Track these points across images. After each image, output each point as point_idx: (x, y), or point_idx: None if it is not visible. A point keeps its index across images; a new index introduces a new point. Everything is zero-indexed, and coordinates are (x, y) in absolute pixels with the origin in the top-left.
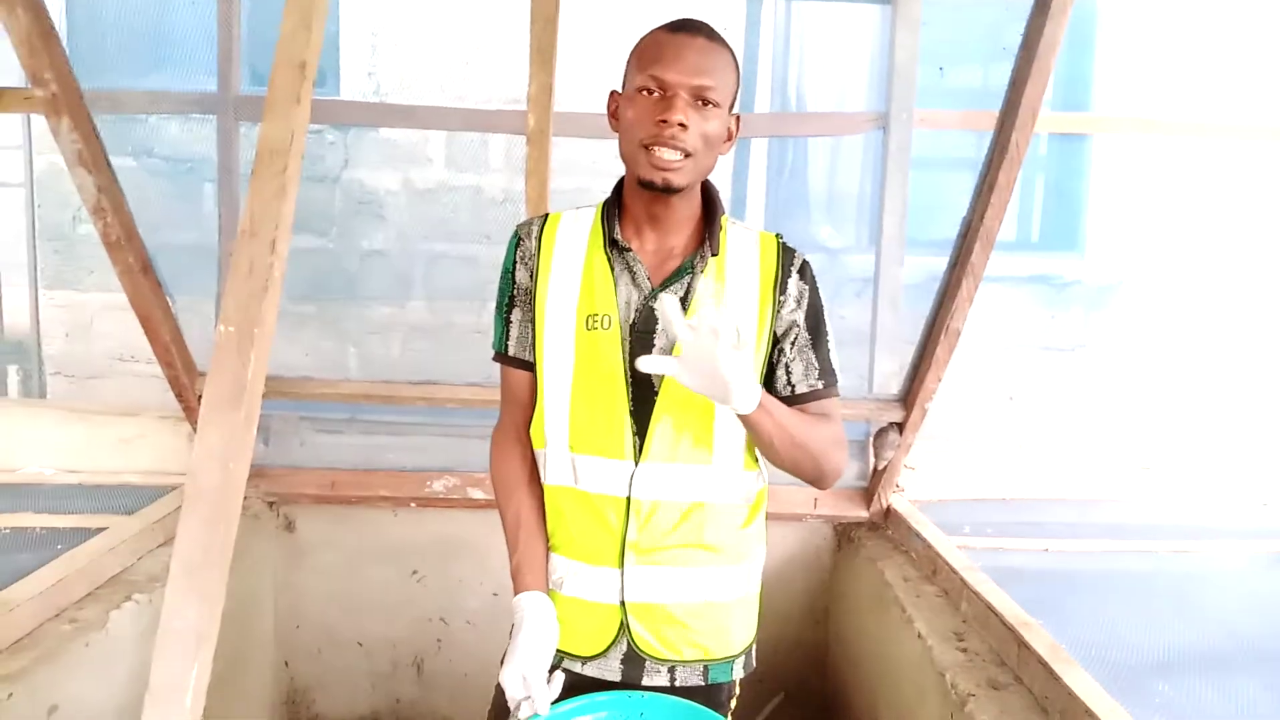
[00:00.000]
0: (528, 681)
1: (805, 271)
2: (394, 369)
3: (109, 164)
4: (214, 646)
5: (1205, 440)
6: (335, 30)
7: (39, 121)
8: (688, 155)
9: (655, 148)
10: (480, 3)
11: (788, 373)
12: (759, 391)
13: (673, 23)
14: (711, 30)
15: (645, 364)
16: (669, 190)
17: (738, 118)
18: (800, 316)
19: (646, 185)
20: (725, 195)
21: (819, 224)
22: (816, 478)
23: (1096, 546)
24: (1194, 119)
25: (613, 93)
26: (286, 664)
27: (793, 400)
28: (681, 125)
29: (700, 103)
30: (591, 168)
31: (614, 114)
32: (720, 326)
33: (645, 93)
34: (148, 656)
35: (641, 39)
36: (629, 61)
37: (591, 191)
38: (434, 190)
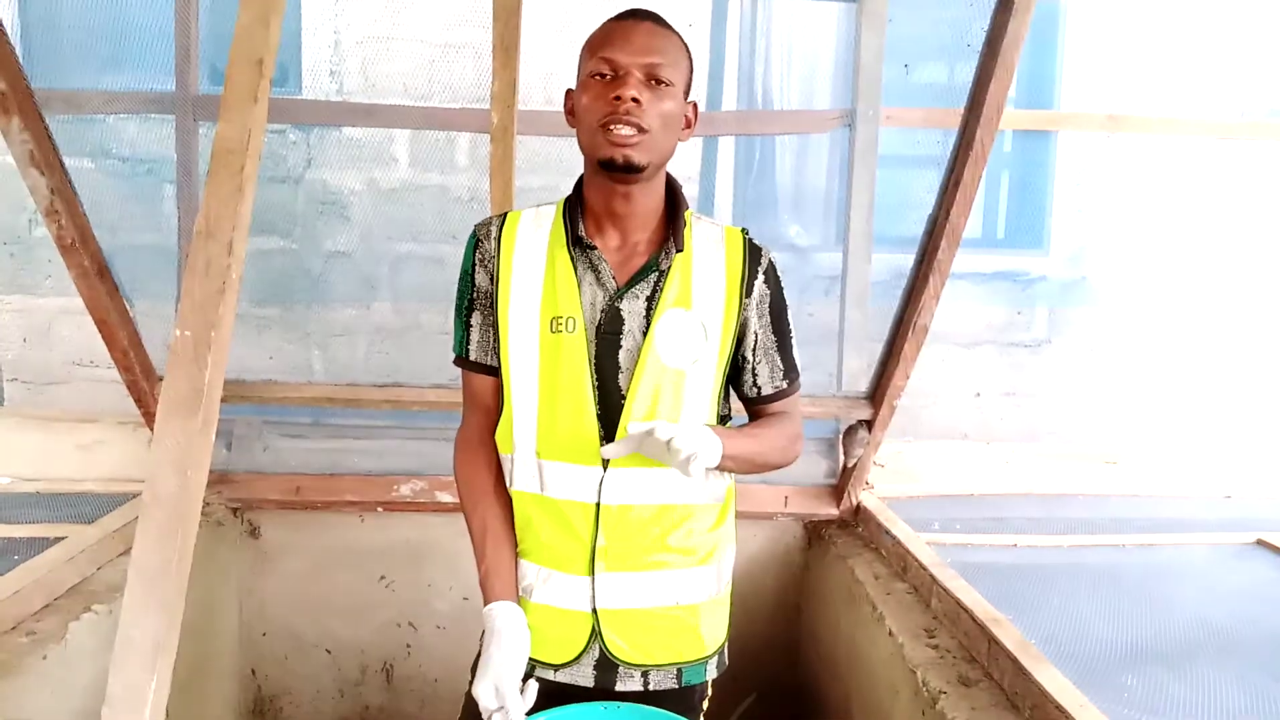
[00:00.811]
0: (501, 693)
1: (770, 273)
2: (359, 371)
3: (62, 164)
4: (173, 656)
5: (1170, 434)
6: (297, 28)
7: None
8: (644, 131)
9: (612, 125)
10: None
11: (754, 375)
12: (718, 448)
13: (621, 12)
14: (659, 16)
15: (609, 452)
16: (629, 169)
17: (695, 105)
18: (765, 319)
19: (606, 165)
20: (692, 193)
21: (787, 222)
22: (773, 471)
23: (1064, 541)
24: (1158, 116)
25: (568, 91)
26: (253, 672)
27: (758, 400)
28: (635, 101)
29: (653, 82)
30: (558, 165)
31: (571, 110)
32: (659, 432)
33: (598, 77)
34: (107, 668)
35: (592, 33)
36: (581, 55)
37: (558, 189)
38: (399, 190)
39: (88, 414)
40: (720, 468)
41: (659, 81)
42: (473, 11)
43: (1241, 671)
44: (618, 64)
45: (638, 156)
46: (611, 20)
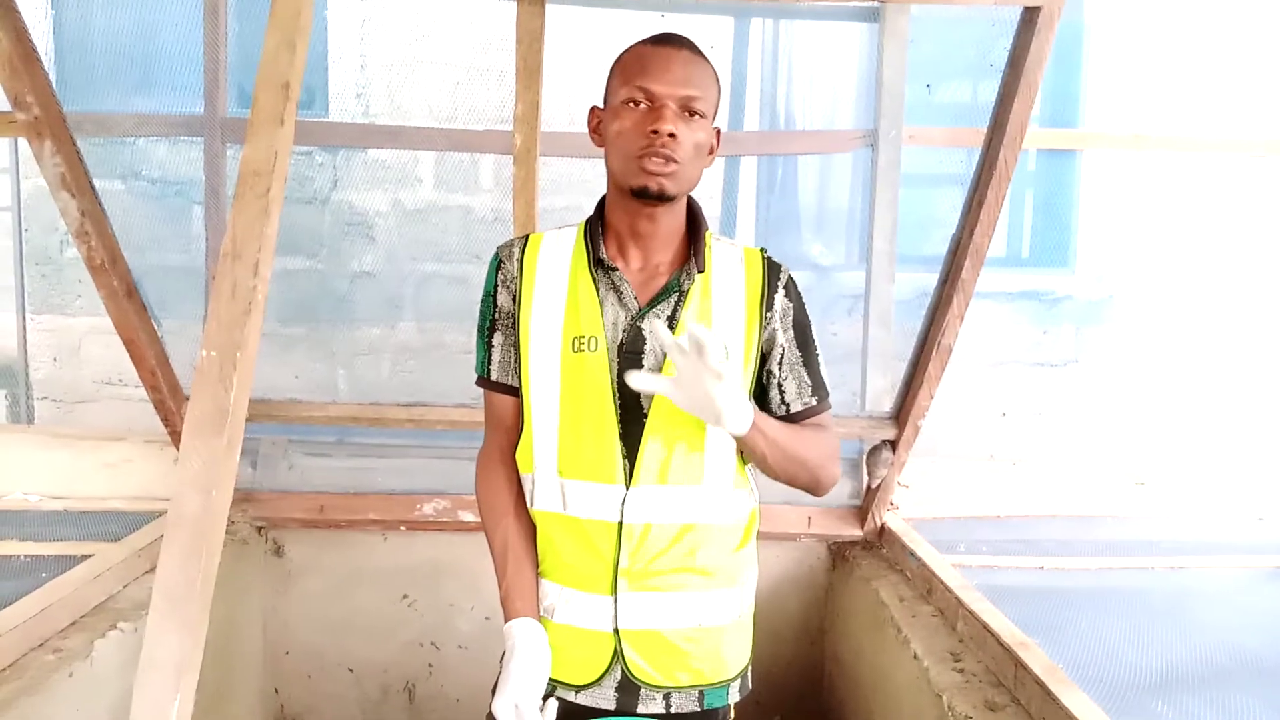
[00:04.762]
0: (520, 711)
1: (791, 288)
2: (383, 391)
3: (93, 187)
4: (197, 676)
5: (1199, 455)
6: (324, 52)
7: (25, 145)
8: (678, 163)
9: (647, 158)
10: (470, 23)
11: (781, 392)
12: (751, 412)
13: (655, 36)
14: (693, 44)
15: (635, 381)
16: (662, 197)
17: (718, 131)
18: (788, 334)
19: (639, 193)
20: (715, 213)
21: (809, 241)
22: (811, 487)
23: (1092, 563)
24: (1183, 134)
25: (594, 108)
26: (276, 690)
27: (788, 418)
28: (672, 135)
29: (687, 114)
30: (581, 186)
31: (596, 129)
32: (710, 349)
33: (632, 104)
34: (133, 686)
35: (623, 53)
36: (611, 75)
37: (581, 209)
38: (423, 211)
39: (115, 433)
40: (751, 448)
41: (693, 113)
42: (497, 35)
43: (1274, 698)
44: (654, 95)
45: (670, 186)
46: (648, 44)
